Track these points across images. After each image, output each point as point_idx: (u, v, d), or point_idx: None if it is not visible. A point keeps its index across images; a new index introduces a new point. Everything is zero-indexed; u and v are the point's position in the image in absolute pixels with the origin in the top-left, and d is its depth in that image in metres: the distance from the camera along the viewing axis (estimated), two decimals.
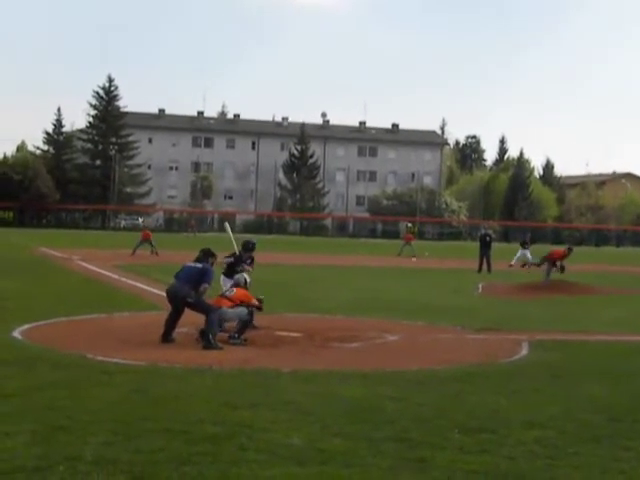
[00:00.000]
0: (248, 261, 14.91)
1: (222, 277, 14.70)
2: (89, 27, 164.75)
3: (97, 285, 21.16)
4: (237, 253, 14.80)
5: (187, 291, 12.38)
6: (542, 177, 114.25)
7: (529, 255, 37.66)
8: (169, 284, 12.94)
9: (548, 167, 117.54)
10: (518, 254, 38.45)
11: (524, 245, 39.05)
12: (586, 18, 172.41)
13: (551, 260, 26.59)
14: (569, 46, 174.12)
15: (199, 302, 12.44)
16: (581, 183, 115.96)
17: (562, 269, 26.32)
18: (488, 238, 34.27)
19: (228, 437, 6.94)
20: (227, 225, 15.17)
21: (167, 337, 12.38)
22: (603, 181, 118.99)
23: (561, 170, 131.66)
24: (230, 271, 14.55)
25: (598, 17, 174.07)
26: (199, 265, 12.71)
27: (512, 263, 37.53)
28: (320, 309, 17.42)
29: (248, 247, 15.17)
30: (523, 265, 35.92)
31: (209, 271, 12.69)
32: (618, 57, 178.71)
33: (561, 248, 28.56)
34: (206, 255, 12.99)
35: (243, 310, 12.75)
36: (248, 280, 13.60)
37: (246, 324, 12.82)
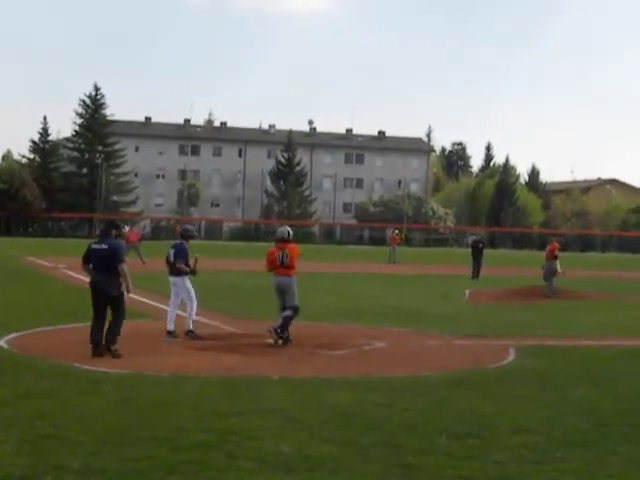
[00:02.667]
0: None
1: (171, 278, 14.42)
2: (76, 35, 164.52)
3: (84, 294, 21.05)
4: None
5: (110, 283, 11.61)
6: (528, 183, 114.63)
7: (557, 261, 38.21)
8: (92, 277, 11.94)
9: (534, 173, 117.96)
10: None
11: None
12: (571, 25, 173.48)
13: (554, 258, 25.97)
14: (554, 53, 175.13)
15: (122, 301, 11.80)
16: (566, 189, 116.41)
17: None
18: (481, 245, 34.48)
19: (216, 445, 6.93)
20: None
21: (98, 349, 11.56)
22: (588, 187, 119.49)
23: (547, 176, 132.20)
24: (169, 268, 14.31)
25: (583, 24, 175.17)
26: (104, 246, 11.71)
27: (560, 271, 37.75)
28: (307, 316, 17.39)
29: (186, 235, 14.79)
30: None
31: (117, 247, 11.83)
32: (603, 64, 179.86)
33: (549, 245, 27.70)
34: (109, 227, 12.22)
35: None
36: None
37: (288, 320, 13.19)
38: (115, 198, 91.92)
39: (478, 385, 10.23)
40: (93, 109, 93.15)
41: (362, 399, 9.06)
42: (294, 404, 8.70)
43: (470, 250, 35.08)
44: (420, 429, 7.74)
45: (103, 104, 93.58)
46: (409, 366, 11.78)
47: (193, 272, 14.16)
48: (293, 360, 11.99)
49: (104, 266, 11.64)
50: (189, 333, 13.89)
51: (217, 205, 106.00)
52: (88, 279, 12.07)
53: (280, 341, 13.24)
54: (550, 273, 25.53)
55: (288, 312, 13.37)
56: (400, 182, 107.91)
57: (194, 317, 14.14)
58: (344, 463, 6.55)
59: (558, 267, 37.37)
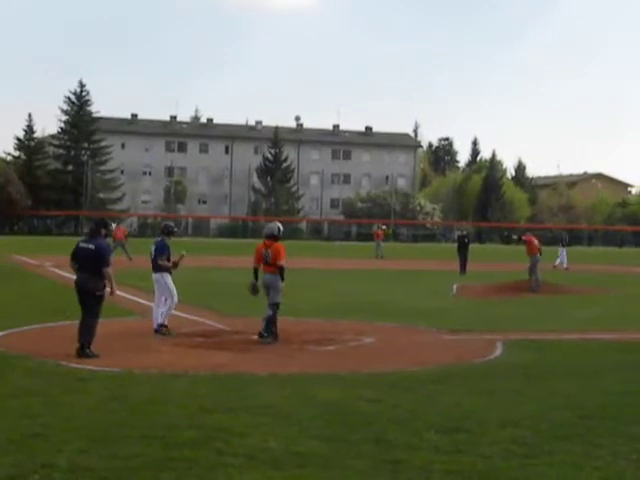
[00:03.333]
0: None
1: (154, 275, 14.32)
2: (61, 31, 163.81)
3: (70, 292, 20.99)
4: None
5: (94, 283, 11.51)
6: (514, 178, 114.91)
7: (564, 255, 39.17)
8: (77, 276, 11.86)
9: (520, 168, 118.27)
10: (564, 254, 39.34)
11: (562, 244, 40.10)
12: (557, 21, 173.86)
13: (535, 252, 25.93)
14: (540, 49, 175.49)
15: (100, 302, 11.65)
16: (553, 184, 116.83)
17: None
18: (466, 240, 34.56)
19: (205, 442, 6.93)
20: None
21: (84, 351, 11.40)
22: (574, 181, 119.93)
23: (533, 171, 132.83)
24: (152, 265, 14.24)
25: (569, 20, 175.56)
26: (91, 246, 11.60)
27: (565, 266, 38.43)
28: (296, 312, 17.40)
29: (166, 231, 14.75)
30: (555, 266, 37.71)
31: (104, 250, 11.72)
32: (588, 59, 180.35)
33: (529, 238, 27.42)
34: (99, 226, 12.02)
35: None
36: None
37: (270, 319, 13.21)
38: (101, 195, 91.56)
39: (466, 380, 10.27)
40: (78, 106, 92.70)
41: (351, 395, 9.08)
42: (283, 400, 8.72)
43: (456, 245, 35.19)
44: (409, 424, 7.76)
45: (88, 101, 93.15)
46: (397, 361, 11.80)
47: (175, 265, 14.18)
48: (281, 356, 12.00)
49: (89, 266, 11.56)
50: (161, 327, 13.82)
51: (204, 202, 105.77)
52: (75, 277, 12.04)
53: (269, 339, 13.24)
54: (533, 267, 25.38)
55: (269, 312, 13.37)
56: (387, 178, 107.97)
57: (172, 312, 14.09)
58: (333, 459, 6.56)
59: (557, 262, 38.14)
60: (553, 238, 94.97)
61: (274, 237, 13.71)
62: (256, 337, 13.29)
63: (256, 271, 13.70)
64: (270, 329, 13.31)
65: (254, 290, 13.75)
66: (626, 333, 15.48)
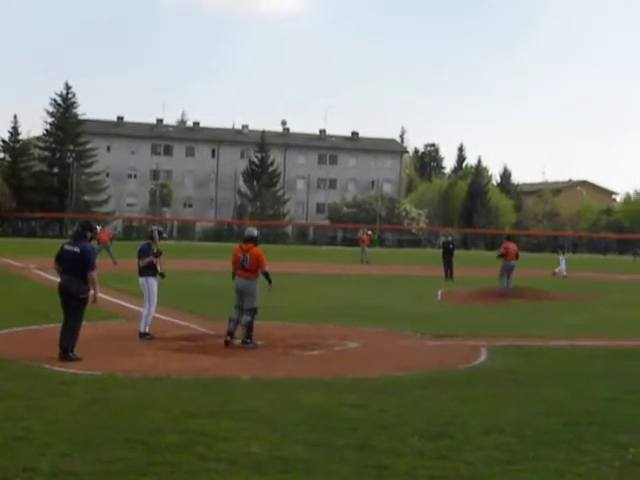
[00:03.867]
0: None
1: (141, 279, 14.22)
2: (46, 33, 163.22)
3: (55, 295, 20.90)
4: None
5: (79, 286, 11.41)
6: (500, 185, 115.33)
7: (564, 262, 39.70)
8: (61, 279, 11.77)
9: (506, 175, 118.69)
10: (563, 262, 39.74)
11: (562, 252, 41.03)
12: (542, 28, 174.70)
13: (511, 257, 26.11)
14: (526, 56, 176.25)
15: (84, 305, 11.56)
16: (538, 190, 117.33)
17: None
18: (451, 246, 34.59)
19: (188, 446, 6.90)
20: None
21: (67, 354, 11.33)
22: (559, 189, 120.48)
23: (518, 178, 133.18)
24: (148, 268, 14.11)
25: (554, 28, 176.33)
26: (76, 249, 11.51)
27: (564, 274, 38.87)
28: (280, 316, 17.39)
29: (151, 236, 14.70)
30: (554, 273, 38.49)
31: (89, 253, 11.60)
32: (572, 67, 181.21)
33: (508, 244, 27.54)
34: (84, 229, 11.92)
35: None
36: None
37: (249, 325, 13.07)
38: (86, 198, 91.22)
39: (450, 385, 10.27)
40: (64, 108, 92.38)
41: (335, 400, 9.06)
42: (266, 405, 8.69)
43: (441, 251, 35.18)
44: (393, 430, 7.75)
45: (74, 103, 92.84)
46: (382, 366, 11.80)
47: (162, 275, 14.15)
48: (266, 361, 11.98)
49: (73, 269, 11.48)
50: (145, 336, 13.71)
51: (190, 205, 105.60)
52: (59, 279, 11.97)
53: (252, 344, 13.14)
54: (503, 271, 25.76)
55: (247, 317, 13.23)
56: (373, 183, 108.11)
57: (149, 320, 13.94)
58: (317, 464, 6.54)
59: (556, 270, 38.72)
60: (538, 245, 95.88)
61: (253, 240, 13.60)
62: (239, 342, 13.20)
63: (233, 275, 13.62)
64: (251, 334, 13.23)
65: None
66: (612, 340, 15.52)
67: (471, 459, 6.81)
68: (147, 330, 13.80)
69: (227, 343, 13.19)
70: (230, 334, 13.29)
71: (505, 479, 6.38)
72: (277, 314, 17.93)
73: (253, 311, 13.31)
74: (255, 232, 13.87)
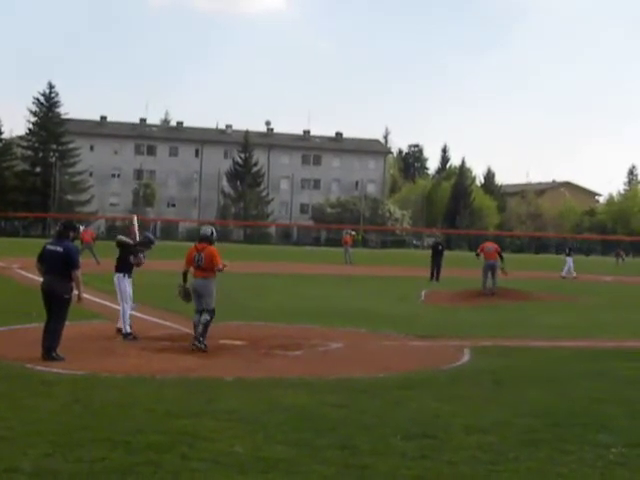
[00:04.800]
0: (141, 255, 14.38)
1: (116, 275, 14.19)
2: (29, 32, 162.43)
3: (37, 294, 20.81)
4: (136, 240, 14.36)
5: (62, 286, 11.35)
6: (483, 186, 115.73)
7: (572, 264, 39.89)
8: (44, 279, 11.68)
9: (489, 176, 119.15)
10: (570, 264, 39.87)
11: (569, 253, 40.73)
12: (525, 30, 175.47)
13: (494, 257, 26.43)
14: (509, 57, 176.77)
15: (67, 305, 11.51)
16: (521, 191, 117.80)
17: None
18: (440, 247, 34.46)
19: (170, 446, 6.89)
20: (135, 218, 14.77)
21: (50, 354, 11.27)
22: (543, 190, 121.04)
23: (502, 179, 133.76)
24: (123, 265, 14.11)
25: (537, 30, 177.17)
26: (59, 249, 11.45)
27: (574, 275, 39.07)
28: (263, 317, 17.38)
29: (145, 242, 14.72)
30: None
31: (72, 252, 11.55)
32: (555, 67, 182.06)
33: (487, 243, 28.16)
34: (67, 229, 11.86)
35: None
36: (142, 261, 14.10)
37: (207, 325, 12.81)
38: (69, 197, 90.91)
39: (432, 386, 10.30)
40: (47, 107, 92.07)
41: (318, 400, 9.06)
42: (249, 405, 8.68)
43: (430, 252, 34.98)
44: (375, 430, 7.77)
45: (57, 102, 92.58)
46: (365, 367, 11.80)
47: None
48: (248, 361, 11.96)
49: (57, 268, 11.41)
50: (128, 336, 13.66)
51: (173, 205, 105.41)
52: (41, 279, 11.91)
53: (202, 345, 12.70)
54: (485, 270, 26.22)
55: (206, 317, 12.86)
56: (357, 183, 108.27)
57: (126, 318, 13.86)
58: (299, 464, 6.54)
59: (564, 273, 38.85)
60: (521, 245, 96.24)
61: (208, 240, 13.27)
62: (193, 346, 12.79)
63: (185, 275, 13.20)
64: (205, 335, 12.82)
65: (186, 295, 13.17)
66: (595, 341, 15.60)
67: (454, 459, 6.83)
68: (129, 330, 13.74)
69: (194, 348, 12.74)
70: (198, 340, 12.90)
71: (488, 479, 6.40)
72: (260, 314, 17.93)
73: (212, 311, 12.96)
74: (209, 231, 13.49)
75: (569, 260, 40.21)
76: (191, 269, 13.15)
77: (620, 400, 9.69)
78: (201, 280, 13.08)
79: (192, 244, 13.70)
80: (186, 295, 13.18)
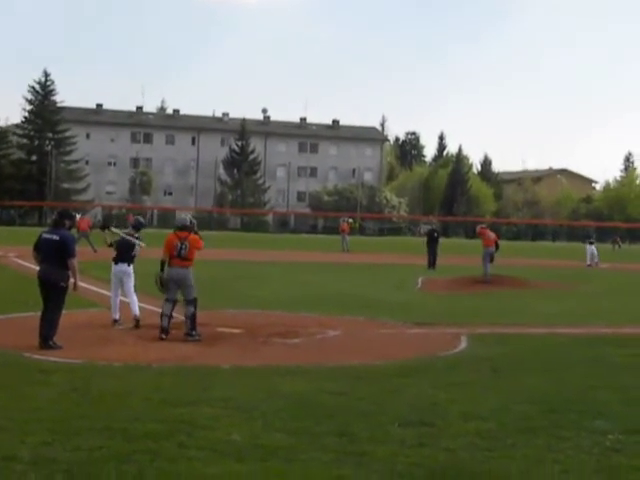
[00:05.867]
0: (138, 247, 14.15)
1: (113, 266, 14.11)
2: (24, 20, 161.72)
3: (34, 283, 20.79)
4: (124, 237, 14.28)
5: (58, 274, 11.33)
6: (480, 173, 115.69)
7: (595, 251, 39.28)
8: (40, 268, 11.65)
9: (486, 163, 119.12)
10: (594, 251, 39.33)
11: (591, 242, 40.12)
12: (521, 16, 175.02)
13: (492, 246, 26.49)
14: (505, 44, 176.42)
15: (64, 294, 11.52)
16: (518, 179, 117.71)
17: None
18: (436, 234, 34.42)
19: (168, 434, 6.89)
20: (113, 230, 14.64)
21: (47, 343, 11.25)
22: (539, 177, 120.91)
23: (499, 166, 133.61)
24: (127, 255, 14.00)
25: (532, 16, 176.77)
26: (55, 237, 11.40)
27: (589, 263, 38.78)
28: (261, 305, 17.39)
29: (138, 225, 14.67)
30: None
31: (69, 240, 11.52)
32: (552, 55, 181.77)
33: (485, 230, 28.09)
34: (62, 217, 11.80)
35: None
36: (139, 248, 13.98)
37: (194, 316, 12.73)
38: (66, 186, 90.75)
39: (430, 373, 10.31)
40: (43, 95, 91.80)
41: (316, 388, 9.08)
42: (247, 393, 8.69)
43: (425, 239, 34.92)
44: (373, 417, 7.78)
45: (53, 90, 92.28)
46: (362, 354, 11.81)
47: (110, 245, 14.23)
48: (246, 349, 11.97)
49: (53, 257, 11.39)
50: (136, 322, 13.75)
51: (170, 194, 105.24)
52: (38, 268, 11.90)
53: (195, 338, 12.58)
54: (485, 258, 26.25)
55: (190, 308, 12.71)
56: (354, 171, 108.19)
57: (115, 308, 13.96)
58: (297, 452, 6.55)
59: (588, 261, 38.55)
60: (517, 232, 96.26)
61: (187, 229, 13.00)
62: (185, 337, 12.70)
63: (164, 264, 12.93)
64: (195, 326, 12.72)
65: (164, 285, 12.94)
66: (592, 327, 15.61)
67: (451, 446, 6.85)
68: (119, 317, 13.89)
69: (162, 340, 12.54)
70: (165, 331, 12.65)
71: (485, 466, 6.41)
72: (257, 302, 17.94)
73: (194, 301, 12.80)
74: (187, 219, 13.25)
75: (591, 248, 39.28)
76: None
77: (616, 387, 9.71)
78: (181, 269, 12.85)
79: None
80: (163, 285, 12.95)
